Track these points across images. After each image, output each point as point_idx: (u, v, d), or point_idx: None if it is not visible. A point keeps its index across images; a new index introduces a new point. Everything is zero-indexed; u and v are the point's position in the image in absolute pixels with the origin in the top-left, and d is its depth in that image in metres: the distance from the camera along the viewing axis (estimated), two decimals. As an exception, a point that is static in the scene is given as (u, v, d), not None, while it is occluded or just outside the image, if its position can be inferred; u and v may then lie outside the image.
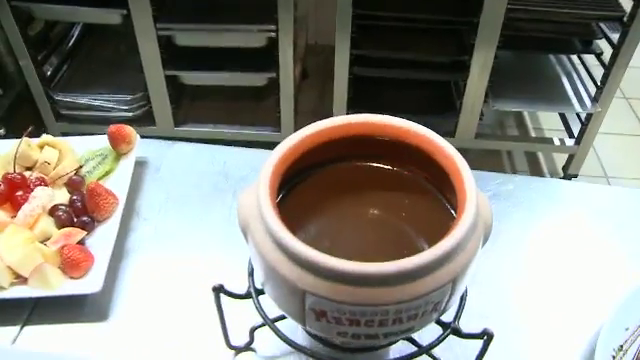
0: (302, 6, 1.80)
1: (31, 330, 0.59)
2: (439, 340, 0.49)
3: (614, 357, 0.54)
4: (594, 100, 1.63)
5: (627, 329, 0.56)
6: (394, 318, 0.42)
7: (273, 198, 0.45)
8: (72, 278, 0.61)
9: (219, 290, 0.50)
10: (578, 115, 1.75)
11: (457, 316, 0.50)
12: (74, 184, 0.70)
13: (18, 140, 0.71)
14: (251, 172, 0.75)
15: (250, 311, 0.51)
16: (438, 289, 0.42)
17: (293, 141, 0.49)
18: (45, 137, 0.73)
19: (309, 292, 0.41)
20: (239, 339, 0.57)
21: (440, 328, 0.49)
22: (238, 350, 0.57)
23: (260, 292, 0.51)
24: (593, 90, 1.65)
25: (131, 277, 0.64)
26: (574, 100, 1.67)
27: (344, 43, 1.56)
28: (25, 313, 0.61)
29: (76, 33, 1.90)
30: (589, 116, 1.65)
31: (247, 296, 0.52)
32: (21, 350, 0.57)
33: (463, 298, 0.51)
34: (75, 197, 0.68)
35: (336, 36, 1.55)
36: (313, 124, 0.50)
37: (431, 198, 0.51)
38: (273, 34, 1.52)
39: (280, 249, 0.42)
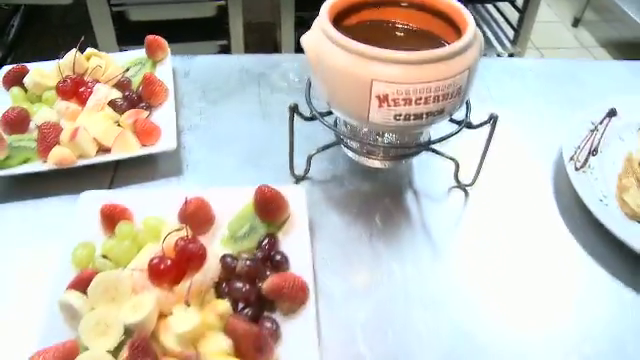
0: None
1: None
2: (458, 130, 0.67)
3: (574, 154, 0.75)
4: (513, 42, 1.92)
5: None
6: (434, 95, 0.60)
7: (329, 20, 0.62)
8: (144, 146, 0.74)
9: (294, 110, 0.66)
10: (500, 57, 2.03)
11: (467, 116, 0.69)
12: (123, 84, 0.82)
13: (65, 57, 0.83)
14: (266, 69, 0.91)
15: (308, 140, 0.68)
16: (460, 73, 0.60)
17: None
18: (90, 49, 0.85)
19: (376, 80, 0.59)
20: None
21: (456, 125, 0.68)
22: (299, 178, 0.73)
23: (322, 115, 0.68)
24: (512, 34, 1.94)
25: (191, 144, 0.78)
26: (495, 43, 1.96)
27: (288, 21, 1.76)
28: (108, 177, 0.73)
29: (16, 23, 1.95)
30: (511, 56, 1.94)
31: (313, 118, 0.68)
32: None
33: (468, 107, 0.70)
34: (127, 93, 0.81)
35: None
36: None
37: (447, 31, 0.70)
38: (223, 2, 1.67)
39: (352, 53, 0.59)
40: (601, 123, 0.80)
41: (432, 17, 0.70)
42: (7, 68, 0.83)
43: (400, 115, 0.61)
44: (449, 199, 0.73)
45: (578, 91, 0.92)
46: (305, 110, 0.69)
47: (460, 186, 0.74)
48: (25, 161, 0.72)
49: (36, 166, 0.71)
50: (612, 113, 0.82)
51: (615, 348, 0.58)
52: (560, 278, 0.65)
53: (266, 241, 0.61)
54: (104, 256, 0.59)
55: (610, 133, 0.79)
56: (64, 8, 1.78)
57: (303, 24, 1.75)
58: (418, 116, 0.62)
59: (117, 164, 0.74)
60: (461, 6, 0.66)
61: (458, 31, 0.65)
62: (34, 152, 0.72)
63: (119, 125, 0.76)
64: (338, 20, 0.67)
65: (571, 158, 0.74)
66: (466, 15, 0.65)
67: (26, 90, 0.81)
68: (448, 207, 0.72)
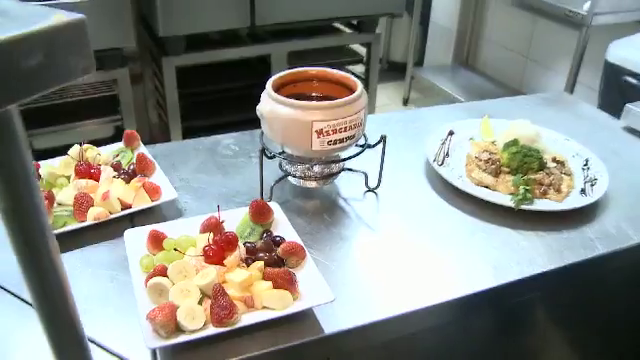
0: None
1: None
2: (361, 151, 1.06)
3: (435, 157, 1.16)
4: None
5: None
6: (349, 125, 0.98)
7: (276, 90, 0.99)
8: (153, 200, 1.03)
9: (262, 151, 1.00)
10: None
11: (366, 140, 1.08)
12: (116, 165, 1.11)
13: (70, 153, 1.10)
14: (212, 145, 1.25)
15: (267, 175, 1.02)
16: (361, 110, 1.00)
17: (279, 75, 1.04)
18: (86, 145, 1.13)
19: (314, 121, 0.96)
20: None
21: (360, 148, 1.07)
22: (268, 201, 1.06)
23: (275, 156, 1.03)
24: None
25: (182, 195, 1.08)
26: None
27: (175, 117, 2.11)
28: (129, 225, 1.01)
29: None
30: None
31: (272, 157, 1.03)
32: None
33: (365, 137, 1.09)
34: (122, 170, 1.10)
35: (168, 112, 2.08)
36: (288, 70, 1.06)
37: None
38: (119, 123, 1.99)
39: (296, 108, 0.96)
40: (446, 139, 1.24)
41: (333, 85, 1.09)
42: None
43: (331, 141, 0.98)
44: (364, 200, 1.10)
45: (428, 125, 1.37)
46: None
47: (370, 190, 1.12)
48: (63, 225, 0.97)
49: (78, 224, 0.97)
50: (451, 132, 1.26)
51: (485, 270, 0.97)
52: (444, 233, 1.03)
53: (265, 234, 0.93)
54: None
55: (453, 144, 1.23)
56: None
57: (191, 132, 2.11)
58: (342, 140, 0.99)
59: (133, 215, 1.02)
60: (350, 75, 1.07)
61: (350, 89, 1.05)
62: (71, 217, 0.98)
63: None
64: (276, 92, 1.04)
65: (434, 160, 1.16)
66: (354, 79, 1.05)
67: (39, 178, 1.07)
68: (365, 205, 1.09)
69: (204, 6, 2.09)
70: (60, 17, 0.38)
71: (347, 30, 2.62)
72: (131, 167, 1.11)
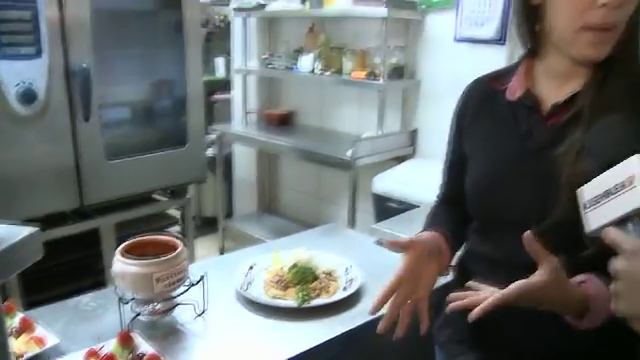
0: None
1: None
2: (188, 289, 1.52)
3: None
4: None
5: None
6: (178, 271, 1.45)
7: (123, 254, 1.45)
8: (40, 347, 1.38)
9: (120, 300, 1.42)
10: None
11: (190, 282, 1.55)
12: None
13: None
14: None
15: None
16: (185, 260, 1.48)
17: (124, 244, 1.49)
18: None
19: (154, 273, 1.41)
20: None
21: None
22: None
23: (129, 301, 1.45)
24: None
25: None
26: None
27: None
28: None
29: None
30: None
31: (127, 302, 1.44)
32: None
33: (191, 279, 1.56)
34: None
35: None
36: (130, 240, 1.51)
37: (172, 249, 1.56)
38: None
39: (138, 266, 1.41)
40: (248, 272, 1.76)
41: (163, 245, 1.57)
42: None
43: (166, 285, 1.44)
44: (196, 322, 1.55)
45: (237, 264, 1.88)
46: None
47: (199, 315, 1.57)
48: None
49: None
50: (251, 267, 1.78)
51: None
52: (253, 335, 1.52)
53: (131, 353, 1.33)
54: None
55: (253, 274, 1.75)
56: None
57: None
58: (173, 283, 1.46)
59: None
60: (172, 237, 1.56)
61: (175, 247, 1.53)
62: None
63: None
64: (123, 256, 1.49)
65: (240, 287, 1.66)
66: (175, 240, 1.54)
67: None
68: (196, 326, 1.54)
69: (33, 191, 2.45)
70: None
71: (163, 198, 3.12)
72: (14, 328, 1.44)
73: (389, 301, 1.23)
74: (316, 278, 1.73)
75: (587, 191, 0.94)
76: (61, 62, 2.47)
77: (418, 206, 2.86)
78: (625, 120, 1.04)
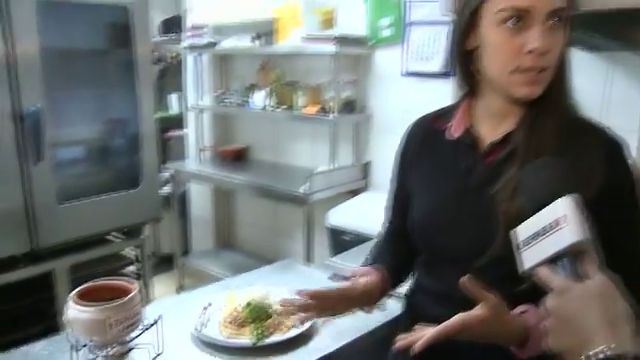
0: None
1: None
2: (143, 332, 1.52)
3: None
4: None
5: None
6: (133, 314, 1.46)
7: (76, 300, 1.44)
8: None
9: (74, 347, 1.41)
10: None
11: (144, 325, 1.55)
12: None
13: None
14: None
15: None
16: (139, 303, 1.48)
17: (76, 290, 1.49)
18: None
19: (106, 319, 1.41)
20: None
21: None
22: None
23: (84, 346, 1.45)
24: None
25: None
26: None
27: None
28: None
29: None
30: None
31: (80, 349, 1.43)
32: None
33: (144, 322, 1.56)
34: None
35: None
36: (83, 286, 1.51)
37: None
38: None
39: (92, 312, 1.41)
40: (203, 312, 1.77)
41: (116, 289, 1.57)
42: None
43: (120, 329, 1.44)
44: None
45: (193, 303, 1.88)
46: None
47: (155, 357, 1.57)
48: None
49: None
50: (205, 307, 1.79)
51: None
52: None
53: None
54: None
55: (208, 314, 1.76)
56: None
57: None
58: (128, 327, 1.46)
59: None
60: (126, 282, 1.56)
61: (129, 291, 1.54)
62: None
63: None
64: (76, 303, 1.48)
65: (196, 329, 1.67)
66: (129, 284, 1.55)
67: None
68: None
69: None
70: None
71: (118, 239, 3.10)
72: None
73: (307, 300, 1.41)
74: (270, 316, 1.75)
75: (520, 232, 0.99)
76: (9, 104, 2.45)
77: (372, 238, 2.92)
78: (555, 160, 1.09)
